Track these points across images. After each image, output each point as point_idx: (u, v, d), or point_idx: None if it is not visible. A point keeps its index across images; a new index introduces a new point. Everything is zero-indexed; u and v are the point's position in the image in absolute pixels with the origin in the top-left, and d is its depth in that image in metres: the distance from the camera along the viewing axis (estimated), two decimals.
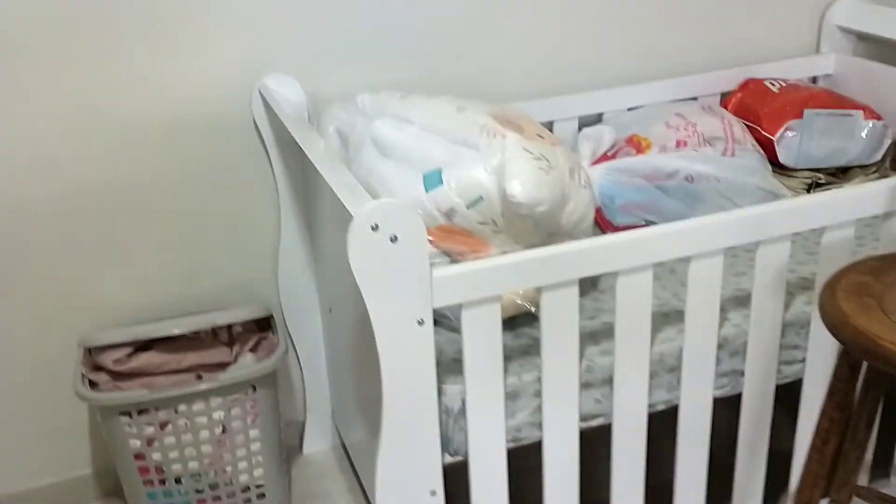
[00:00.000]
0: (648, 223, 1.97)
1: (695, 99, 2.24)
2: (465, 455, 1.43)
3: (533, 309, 1.53)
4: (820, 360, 1.60)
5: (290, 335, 2.03)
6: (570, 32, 2.12)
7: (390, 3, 1.93)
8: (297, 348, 2.05)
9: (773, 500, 1.74)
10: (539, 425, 1.46)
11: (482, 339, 1.34)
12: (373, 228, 1.18)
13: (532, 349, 1.52)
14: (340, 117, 1.78)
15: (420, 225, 1.20)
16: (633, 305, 1.41)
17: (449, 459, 1.44)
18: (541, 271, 1.32)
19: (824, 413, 1.27)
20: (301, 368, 2.07)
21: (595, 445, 1.52)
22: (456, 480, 1.43)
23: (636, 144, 2.02)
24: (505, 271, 1.30)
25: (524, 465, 1.49)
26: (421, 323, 1.26)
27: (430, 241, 1.50)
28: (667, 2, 2.18)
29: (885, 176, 2.16)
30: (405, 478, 1.35)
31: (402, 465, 1.34)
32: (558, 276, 1.33)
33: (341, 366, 1.86)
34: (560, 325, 1.37)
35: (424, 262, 1.23)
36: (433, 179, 1.51)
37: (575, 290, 1.36)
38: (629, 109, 2.18)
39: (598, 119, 2.18)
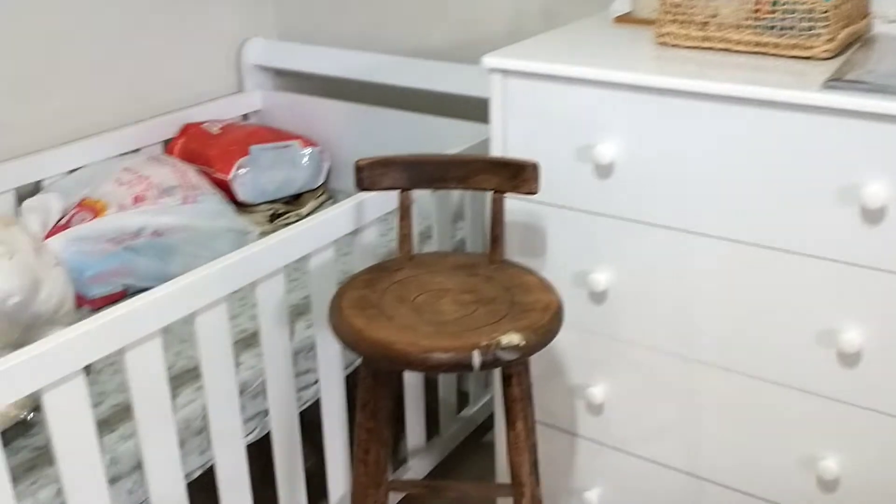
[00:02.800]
0: (126, 287, 1.85)
1: (137, 151, 2.16)
2: None
3: (29, 416, 1.32)
4: (331, 375, 1.68)
5: None
6: None
7: None
8: None
9: None
10: None
11: None
12: None
13: (39, 460, 1.31)
14: None
15: None
16: (147, 377, 1.30)
17: None
18: (42, 370, 1.13)
19: (361, 425, 1.34)
20: None
21: None
22: None
23: (90, 208, 1.87)
24: (21, 373, 1.09)
25: None
26: None
27: None
28: (90, 55, 2.06)
29: (331, 197, 2.35)
30: None
31: None
32: (64, 370, 1.16)
33: None
34: (73, 423, 1.21)
35: None
36: None
37: (81, 379, 1.21)
38: (70, 172, 2.01)
39: (36, 188, 1.97)
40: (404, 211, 1.45)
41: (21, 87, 1.94)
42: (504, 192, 1.42)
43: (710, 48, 1.48)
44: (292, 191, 2.27)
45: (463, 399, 2.19)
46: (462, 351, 1.22)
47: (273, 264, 1.49)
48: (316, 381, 1.69)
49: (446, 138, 2.16)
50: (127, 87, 2.16)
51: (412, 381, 1.89)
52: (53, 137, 2.03)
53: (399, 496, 1.95)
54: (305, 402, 1.68)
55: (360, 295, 1.37)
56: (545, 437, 1.73)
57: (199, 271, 1.37)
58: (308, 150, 2.28)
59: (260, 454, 1.62)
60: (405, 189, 1.44)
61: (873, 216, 1.26)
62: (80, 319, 1.45)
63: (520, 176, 1.40)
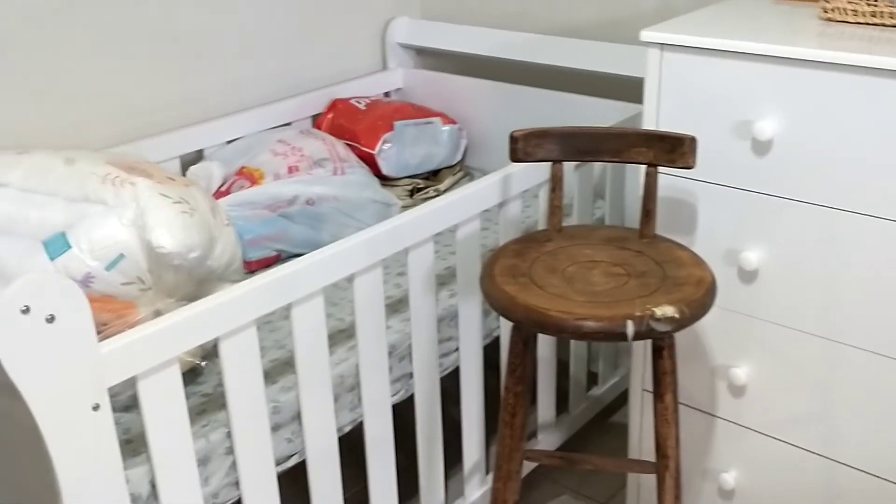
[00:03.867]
0: (280, 252, 1.94)
1: (289, 125, 2.26)
2: None
3: (203, 363, 1.41)
4: (471, 344, 1.72)
5: None
6: (149, 71, 2.00)
7: None
8: None
9: (456, 486, 1.83)
10: (236, 484, 1.36)
11: (165, 410, 1.20)
12: (23, 311, 0.99)
13: (208, 406, 1.41)
14: None
15: (81, 297, 1.04)
16: (309, 333, 1.38)
17: None
18: (219, 320, 1.22)
19: (508, 389, 1.37)
20: None
21: (290, 485, 1.45)
22: None
23: (249, 176, 1.97)
24: (180, 330, 1.18)
25: None
26: (96, 408, 1.09)
27: None
28: (239, 33, 2.16)
29: (468, 174, 2.39)
30: None
31: None
32: (237, 322, 1.24)
33: None
34: (244, 371, 1.29)
35: (91, 340, 1.07)
36: (57, 245, 1.32)
37: (254, 332, 1.29)
38: (228, 143, 2.13)
39: (198, 156, 2.09)
40: (556, 182, 1.47)
41: (183, 66, 2.06)
42: (659, 165, 1.42)
43: (879, 24, 1.43)
44: (432, 166, 2.32)
45: (592, 379, 2.20)
46: (616, 320, 1.23)
47: (424, 232, 1.54)
48: (456, 349, 1.73)
49: (588, 117, 2.16)
50: (279, 64, 2.26)
51: (545, 356, 1.91)
52: (213, 110, 2.15)
53: (532, 466, 1.98)
54: (446, 369, 1.73)
55: (510, 264, 1.40)
56: (682, 417, 1.72)
57: (358, 236, 1.43)
58: (448, 128, 2.32)
59: (398, 417, 1.68)
60: (558, 161, 1.46)
61: None
62: (243, 279, 1.54)
63: (677, 150, 1.40)
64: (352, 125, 2.23)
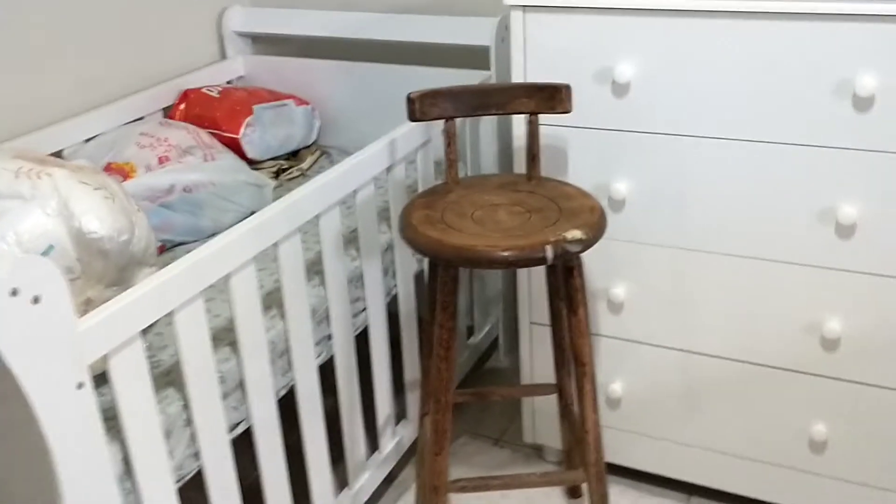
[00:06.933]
0: (164, 243, 1.94)
1: (141, 119, 2.24)
2: None
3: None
4: (375, 304, 1.83)
5: None
6: None
7: None
8: None
9: (371, 439, 1.93)
10: (195, 455, 1.39)
11: (134, 386, 1.22)
12: (11, 294, 0.99)
13: (158, 382, 1.42)
14: None
15: (61, 279, 1.05)
16: (246, 300, 1.43)
17: None
18: (173, 292, 1.25)
19: (442, 326, 1.49)
20: None
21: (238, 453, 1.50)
22: None
23: (119, 171, 1.96)
24: (148, 301, 1.21)
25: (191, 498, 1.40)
26: (80, 386, 1.10)
27: None
28: (79, 30, 2.12)
29: (325, 152, 2.48)
30: None
31: None
32: (189, 293, 1.28)
33: None
34: (195, 340, 1.33)
35: (72, 319, 1.08)
36: None
37: (202, 302, 1.33)
38: (87, 141, 2.08)
39: (59, 157, 2.03)
40: (451, 138, 1.61)
41: (29, 67, 1.99)
42: (540, 113, 1.60)
43: None
44: (291, 147, 2.38)
45: (469, 330, 2.37)
46: (535, 248, 1.40)
47: (330, 199, 1.63)
48: (364, 309, 1.83)
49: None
50: (113, 62, 2.22)
51: (406, 318, 2.05)
52: (65, 110, 2.09)
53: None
54: (357, 328, 1.82)
55: (423, 214, 1.53)
56: None
57: (275, 206, 1.50)
58: (301, 108, 2.40)
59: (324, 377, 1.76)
60: (451, 118, 1.60)
61: (862, 104, 1.50)
62: (160, 263, 1.56)
63: (556, 97, 1.58)
64: (209, 113, 2.25)
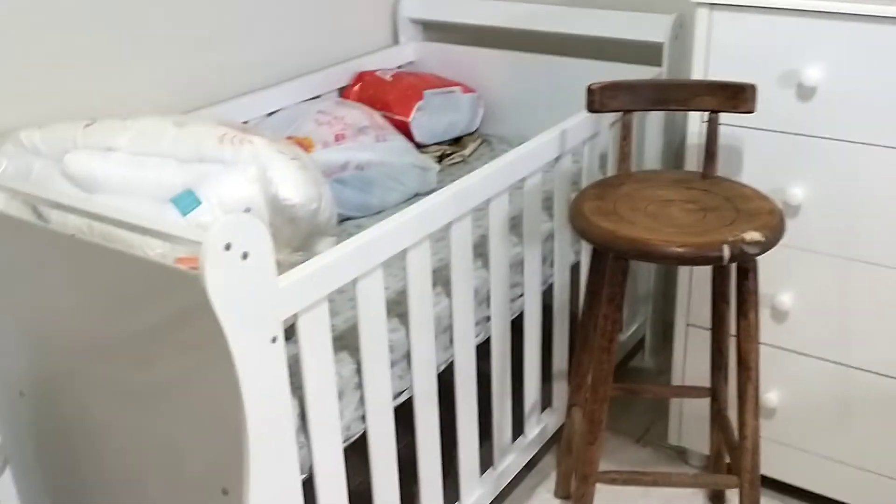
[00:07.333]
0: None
1: (318, 97, 2.34)
2: (309, 471, 1.37)
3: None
4: (532, 291, 1.86)
5: None
6: (184, 49, 2.05)
7: None
8: None
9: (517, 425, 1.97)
10: (363, 418, 1.46)
11: (318, 345, 1.30)
12: (226, 248, 1.08)
13: (337, 344, 1.49)
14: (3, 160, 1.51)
15: (268, 239, 1.13)
16: (420, 276, 1.49)
17: None
18: (357, 262, 1.32)
19: (607, 318, 1.51)
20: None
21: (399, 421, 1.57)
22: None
23: (299, 144, 2.05)
24: (336, 267, 1.28)
25: (352, 461, 1.47)
26: (274, 340, 1.19)
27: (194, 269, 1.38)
28: (262, 13, 2.23)
29: (485, 140, 2.52)
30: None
31: (272, 487, 1.24)
32: (372, 262, 1.35)
33: (72, 452, 1.59)
34: (373, 307, 1.39)
35: (274, 276, 1.16)
36: (187, 201, 1.39)
37: (380, 272, 1.39)
38: (268, 115, 2.20)
39: None
40: (626, 131, 1.62)
41: (220, 44, 2.12)
42: (721, 111, 1.58)
43: None
44: (455, 133, 2.44)
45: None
46: (712, 246, 1.39)
47: (501, 184, 1.66)
48: (521, 295, 1.86)
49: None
50: (302, 41, 2.33)
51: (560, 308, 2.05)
52: (249, 84, 2.21)
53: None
54: (513, 314, 1.86)
55: (595, 205, 1.54)
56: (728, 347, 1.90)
57: (450, 189, 1.54)
58: (468, 96, 2.44)
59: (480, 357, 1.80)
60: (629, 111, 1.61)
61: None
62: (335, 234, 1.64)
63: (739, 96, 1.56)
64: (382, 95, 2.33)
